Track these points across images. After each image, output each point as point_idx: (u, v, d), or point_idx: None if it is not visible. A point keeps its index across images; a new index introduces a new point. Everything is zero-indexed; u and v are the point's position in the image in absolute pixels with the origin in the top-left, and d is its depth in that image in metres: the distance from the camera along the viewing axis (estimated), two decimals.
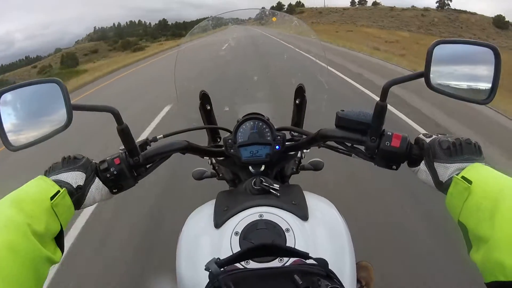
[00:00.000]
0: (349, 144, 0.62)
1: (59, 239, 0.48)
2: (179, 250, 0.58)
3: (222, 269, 0.42)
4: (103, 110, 0.55)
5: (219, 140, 0.84)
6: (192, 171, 0.93)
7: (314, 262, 0.43)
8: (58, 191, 0.49)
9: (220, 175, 0.87)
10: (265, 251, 0.45)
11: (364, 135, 0.58)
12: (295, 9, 67.06)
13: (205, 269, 0.41)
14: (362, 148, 0.60)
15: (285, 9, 70.16)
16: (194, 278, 0.53)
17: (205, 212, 0.62)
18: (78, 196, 0.54)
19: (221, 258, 0.43)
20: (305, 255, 0.43)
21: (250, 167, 0.71)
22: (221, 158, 0.76)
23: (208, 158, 0.81)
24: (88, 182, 0.56)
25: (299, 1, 73.64)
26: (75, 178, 0.54)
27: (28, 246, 0.40)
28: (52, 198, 0.48)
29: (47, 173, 0.56)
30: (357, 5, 63.58)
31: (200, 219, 0.62)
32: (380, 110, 0.55)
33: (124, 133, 0.58)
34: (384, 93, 0.54)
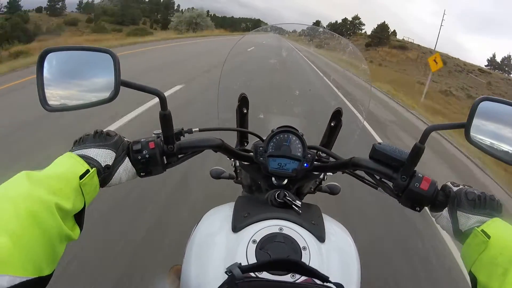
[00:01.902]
0: (377, 177, 0.62)
1: (79, 217, 0.47)
2: (190, 245, 0.57)
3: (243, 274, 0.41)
4: (150, 92, 0.54)
5: (246, 144, 0.84)
6: (210, 169, 0.92)
7: (332, 286, 0.43)
8: (88, 170, 0.49)
9: (239, 179, 0.86)
10: (288, 266, 0.45)
11: (395, 172, 0.58)
12: (389, 38, 41.24)
13: (226, 271, 0.40)
14: (390, 184, 0.60)
15: (366, 31, 47.74)
16: (202, 275, 0.52)
17: (223, 213, 0.61)
18: (105, 176, 0.53)
19: (235, 263, 0.42)
20: (325, 278, 0.43)
21: (273, 178, 0.71)
22: (246, 163, 0.75)
23: (233, 160, 0.80)
24: (117, 162, 0.55)
25: (386, 25, 42.29)
26: (105, 156, 0.53)
27: (52, 221, 0.40)
28: (81, 177, 0.47)
29: (77, 144, 0.54)
30: (500, 71, 40.16)
31: (217, 219, 0.61)
32: (417, 151, 0.56)
33: (166, 119, 0.57)
34: (424, 136, 0.55)
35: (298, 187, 0.77)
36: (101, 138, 0.55)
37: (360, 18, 52.98)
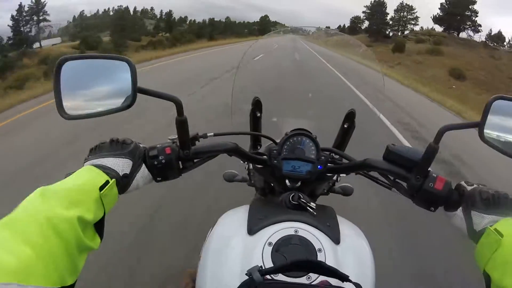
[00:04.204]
0: (391, 178, 0.62)
1: (99, 226, 0.47)
2: (206, 248, 0.58)
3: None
4: (167, 98, 0.55)
5: (259, 147, 0.85)
6: (223, 172, 0.93)
7: (350, 285, 0.43)
8: (107, 181, 0.49)
9: (252, 182, 0.87)
10: (309, 267, 0.45)
11: (409, 172, 0.58)
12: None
13: (246, 274, 0.41)
14: (403, 184, 0.60)
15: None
16: (219, 278, 0.53)
17: (239, 216, 0.62)
18: (123, 184, 0.54)
19: (251, 265, 0.43)
20: (345, 278, 0.43)
21: (287, 181, 0.71)
22: (260, 166, 0.76)
23: (247, 163, 0.81)
24: (135, 169, 0.56)
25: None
26: (122, 165, 0.54)
27: (72, 232, 0.41)
28: (101, 188, 0.48)
29: (93, 152, 0.55)
30: None
31: (233, 222, 0.62)
32: (432, 151, 0.56)
33: (182, 125, 0.58)
34: (438, 136, 0.55)
35: (312, 189, 0.77)
36: (118, 147, 0.56)
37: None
